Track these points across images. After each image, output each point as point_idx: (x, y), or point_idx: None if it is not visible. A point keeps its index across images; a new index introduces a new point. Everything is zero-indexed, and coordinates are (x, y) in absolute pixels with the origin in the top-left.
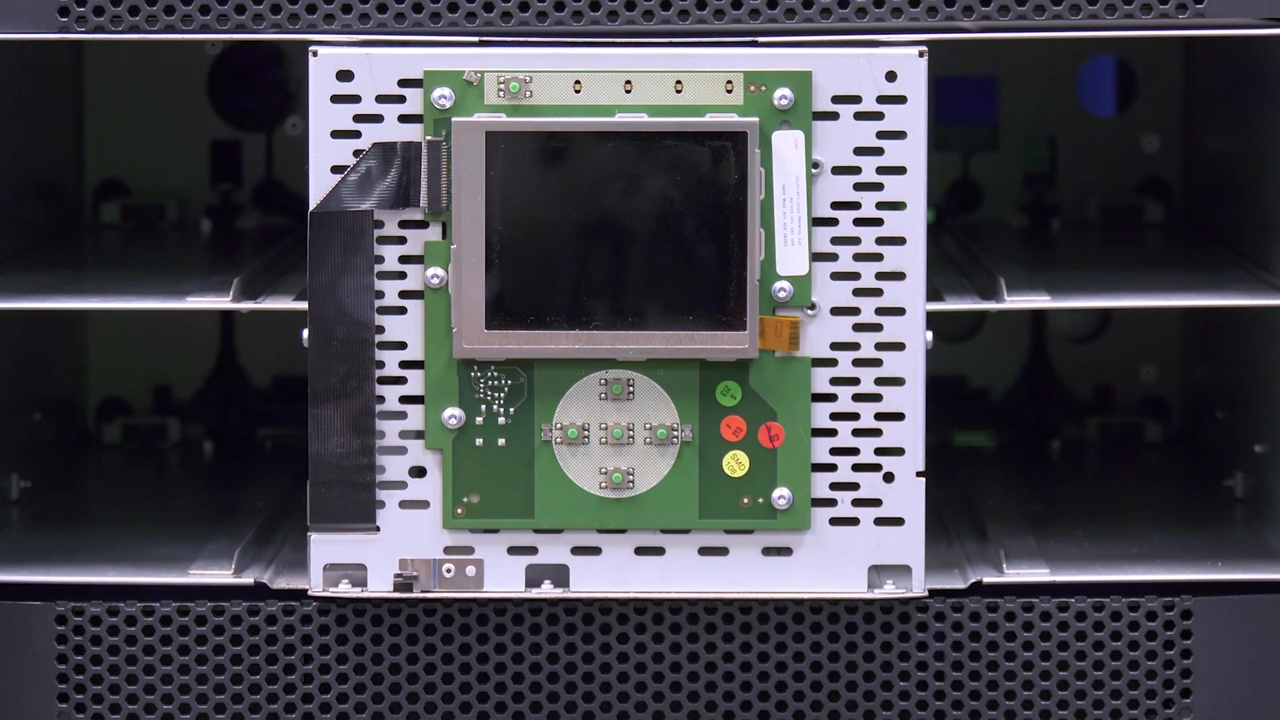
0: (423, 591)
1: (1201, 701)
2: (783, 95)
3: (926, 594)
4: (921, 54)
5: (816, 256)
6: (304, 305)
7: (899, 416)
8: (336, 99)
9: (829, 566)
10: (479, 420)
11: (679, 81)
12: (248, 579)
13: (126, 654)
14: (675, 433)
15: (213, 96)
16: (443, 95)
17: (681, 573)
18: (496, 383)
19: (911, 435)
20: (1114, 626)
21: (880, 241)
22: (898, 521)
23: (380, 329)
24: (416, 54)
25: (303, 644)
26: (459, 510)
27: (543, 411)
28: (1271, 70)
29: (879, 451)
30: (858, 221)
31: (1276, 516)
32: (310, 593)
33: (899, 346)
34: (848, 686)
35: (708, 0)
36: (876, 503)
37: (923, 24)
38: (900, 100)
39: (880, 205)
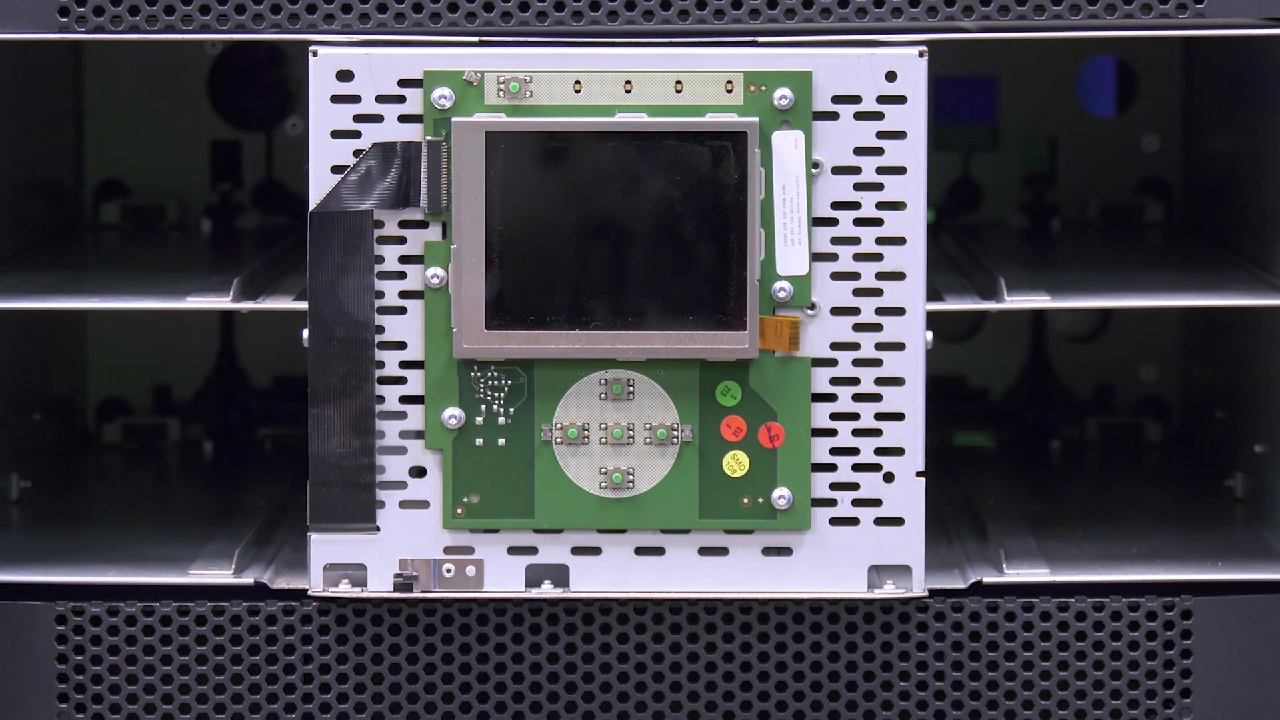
0: (423, 591)
1: (1201, 701)
2: (783, 95)
3: (926, 594)
4: (921, 54)
5: (816, 256)
6: (304, 305)
7: (899, 416)
8: (336, 99)
9: (829, 566)
10: (479, 420)
11: (679, 81)
12: (248, 579)
13: (126, 654)
14: (675, 433)
15: (213, 96)
16: (443, 95)
17: (681, 573)
18: (496, 383)
19: (911, 435)
20: (1114, 626)
21: (880, 241)
22: (898, 521)
23: (380, 329)
24: (416, 54)
25: (303, 644)
26: (459, 510)
27: (543, 411)
28: (1271, 70)
29: (879, 451)
30: (858, 221)
31: (1276, 516)
32: (310, 593)
33: (899, 346)
34: (848, 686)
35: (708, 0)
36: (876, 503)
37: (923, 24)
38: (900, 100)
39: (880, 205)
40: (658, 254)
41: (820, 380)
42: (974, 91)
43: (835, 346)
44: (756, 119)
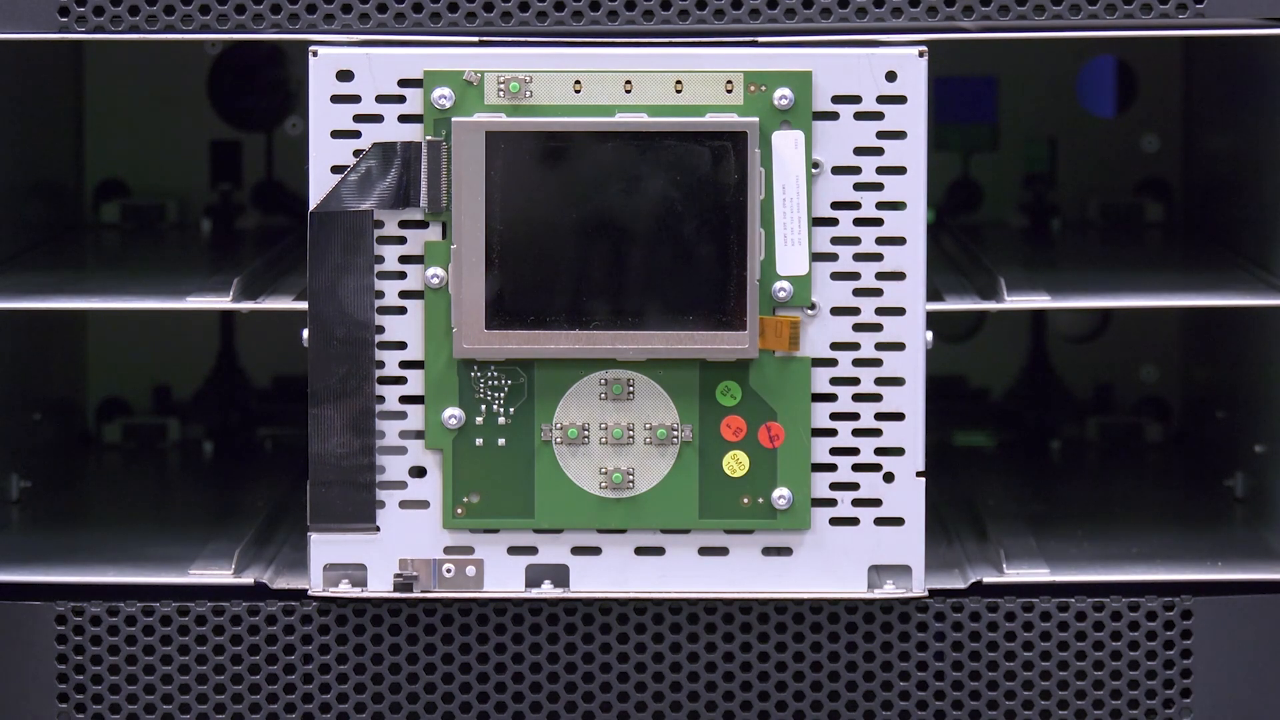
0: (423, 591)
1: (1201, 701)
2: (783, 95)
3: (926, 594)
4: (921, 54)
5: (816, 256)
6: (304, 305)
7: (899, 416)
8: (336, 99)
9: (829, 566)
10: (479, 420)
11: (679, 81)
12: (248, 579)
13: (126, 654)
14: (675, 433)
15: (213, 96)
16: (443, 95)
17: (681, 573)
18: (496, 383)
19: (911, 435)
20: (1114, 626)
21: (880, 241)
22: (898, 521)
23: (380, 329)
24: (416, 54)
25: (303, 644)
26: (459, 510)
27: (543, 411)
28: (1271, 70)
29: (879, 451)
30: (858, 221)
31: (1276, 516)
32: (310, 593)
33: (899, 346)
34: (848, 686)
35: (708, 0)
36: (876, 503)
37: (923, 24)
38: (900, 100)
39: (880, 205)
40: (658, 254)
41: (820, 380)
42: (974, 91)
43: (835, 346)
44: (756, 119)
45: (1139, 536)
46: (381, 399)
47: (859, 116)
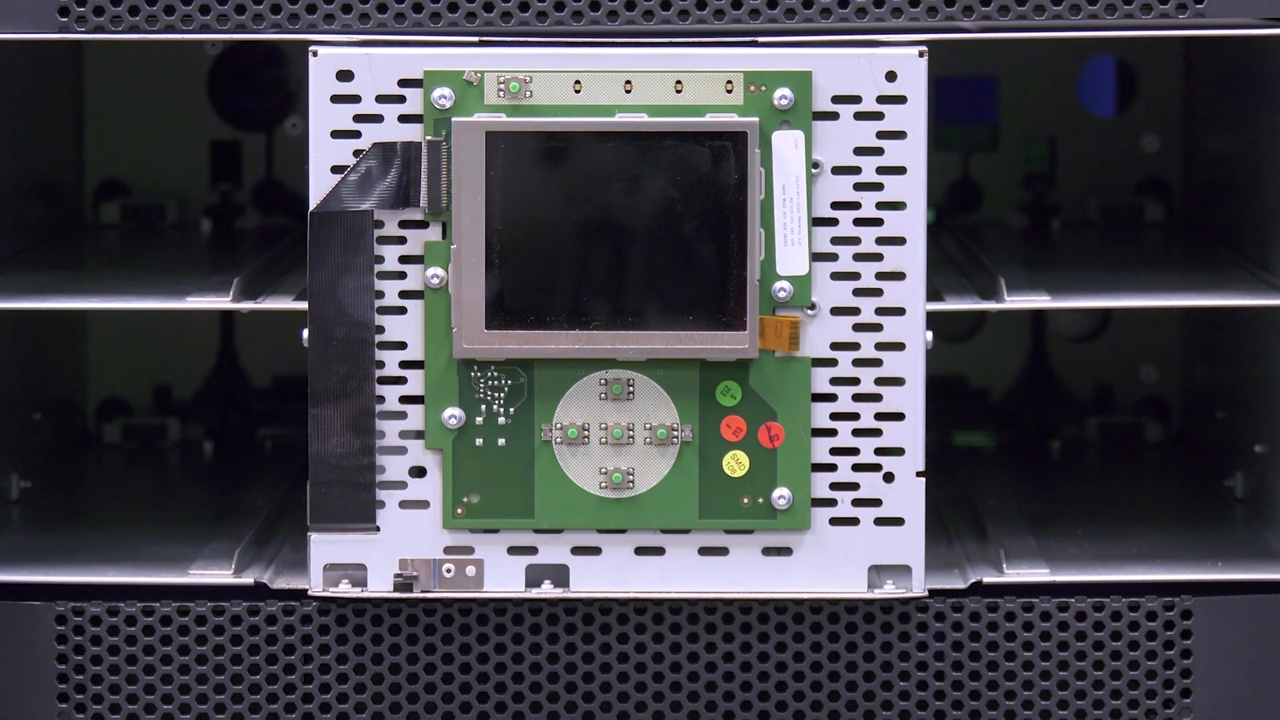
0: (423, 591)
1: (1201, 701)
2: (783, 95)
3: (926, 594)
4: (921, 54)
5: (816, 256)
6: (304, 305)
7: (899, 416)
8: (336, 99)
9: (829, 566)
10: (479, 420)
11: (679, 81)
12: (248, 579)
13: (126, 654)
14: (675, 433)
15: (213, 96)
16: (443, 95)
17: (681, 573)
18: (496, 383)
19: (911, 435)
20: (1114, 626)
21: (880, 241)
22: (898, 521)
23: (380, 329)
24: (416, 54)
25: (303, 644)
26: (459, 510)
27: (543, 411)
28: (1271, 70)
29: (879, 451)
30: (858, 221)
31: (1276, 516)
32: (310, 593)
33: (899, 346)
34: (848, 686)
35: (708, 0)
36: (876, 503)
37: (923, 24)
38: (900, 100)
39: (880, 205)
40: (658, 254)
41: (820, 380)
42: (974, 91)
43: (835, 346)
44: (756, 119)
45: (1139, 536)
46: (381, 399)
47: (859, 116)
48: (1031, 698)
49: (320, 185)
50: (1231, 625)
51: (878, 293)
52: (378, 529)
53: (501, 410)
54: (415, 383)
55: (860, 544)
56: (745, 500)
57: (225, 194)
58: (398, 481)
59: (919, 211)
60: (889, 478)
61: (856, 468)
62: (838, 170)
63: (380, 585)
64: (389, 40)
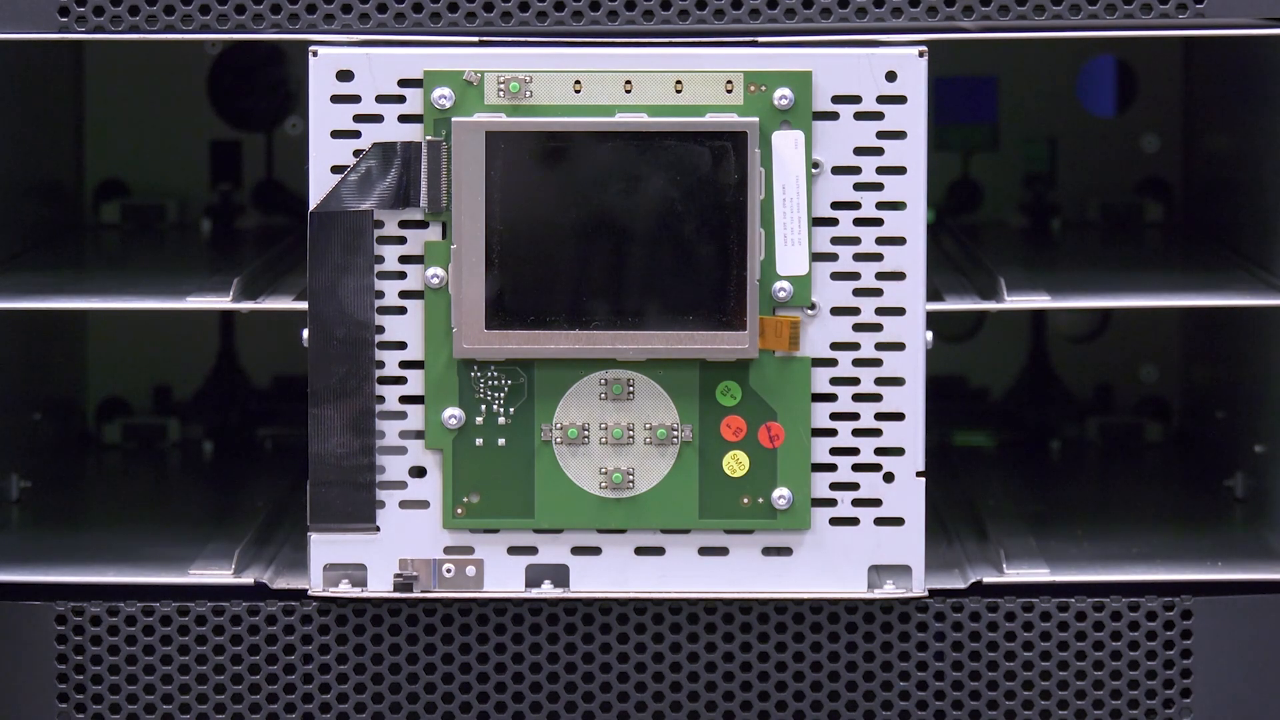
0: (423, 591)
1: (1201, 701)
2: (783, 95)
3: (926, 594)
4: (921, 54)
5: (816, 256)
6: (304, 305)
7: (899, 416)
8: (336, 99)
9: (829, 566)
10: (479, 420)
11: (679, 81)
12: (248, 579)
13: (126, 654)
14: (675, 433)
15: (213, 96)
16: (443, 95)
17: (681, 573)
18: (496, 383)
19: (911, 435)
20: (1114, 626)
21: (880, 241)
22: (898, 521)
23: (380, 329)
24: (416, 54)
25: (303, 644)
26: (459, 510)
27: (543, 411)
28: (1271, 70)
29: (879, 451)
30: (858, 221)
31: (1276, 516)
32: (310, 593)
33: (899, 346)
34: (848, 686)
35: (708, 0)
36: (876, 503)
37: (923, 24)
38: (900, 100)
39: (880, 205)
40: (658, 254)
41: (820, 380)
42: (974, 91)
43: (835, 346)
44: (756, 119)
45: (1139, 536)
46: (381, 399)
47: (859, 116)
48: (1031, 698)
49: (320, 185)
50: (1231, 625)
51: (878, 293)
52: (378, 529)
53: (501, 410)
54: (415, 383)
55: (860, 544)
56: (745, 500)
57: (225, 194)
58: (398, 481)
59: (919, 211)
60: (889, 478)
61: (856, 468)
62: (838, 170)
63: (380, 585)
64: (389, 40)
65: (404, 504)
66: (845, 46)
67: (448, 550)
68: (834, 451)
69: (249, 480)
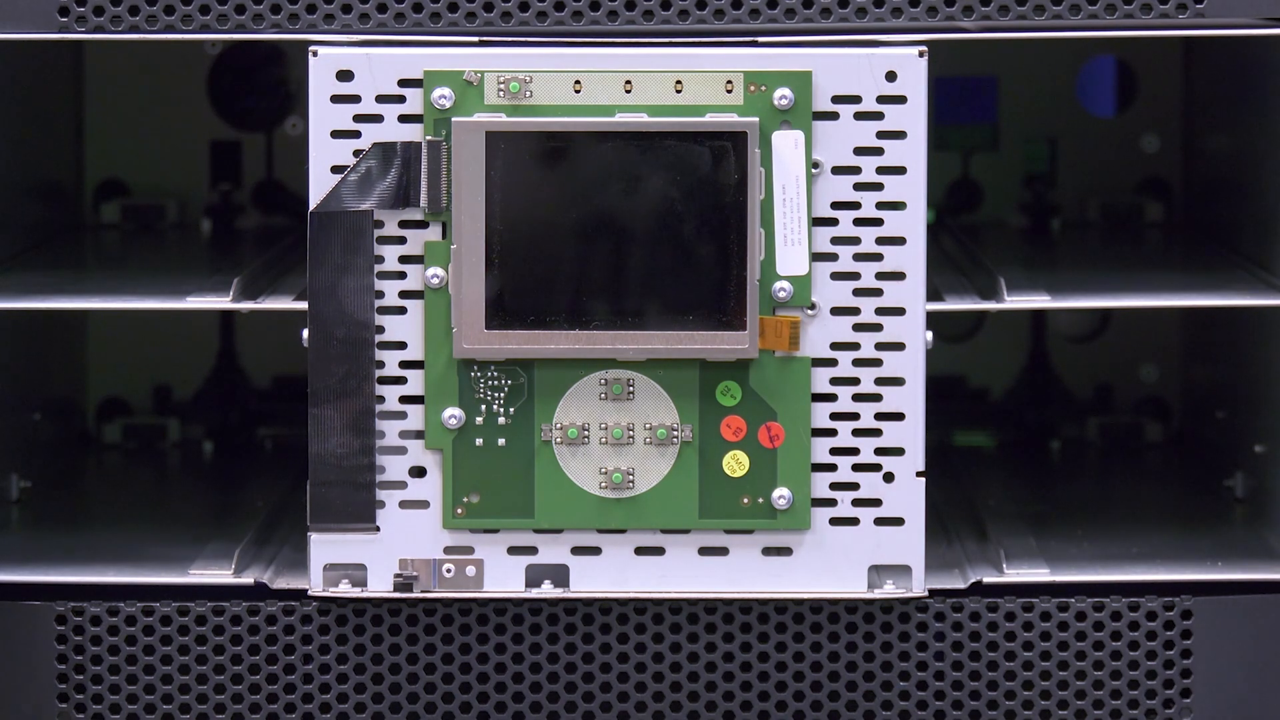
0: (423, 591)
1: (1201, 701)
2: (783, 95)
3: (926, 594)
4: (921, 54)
5: (816, 256)
6: (304, 305)
7: (899, 416)
8: (336, 99)
9: (829, 566)
10: (479, 420)
11: (679, 81)
12: (248, 579)
13: (126, 654)
14: (675, 433)
15: (213, 96)
16: (443, 95)
17: (681, 573)
18: (496, 383)
19: (911, 435)
20: (1114, 626)
21: (880, 241)
22: (898, 521)
23: (380, 329)
24: (416, 54)
25: (303, 644)
26: (459, 510)
27: (543, 411)
28: (1271, 70)
29: (879, 451)
30: (858, 221)
31: (1276, 516)
32: (310, 593)
33: (899, 346)
34: (848, 686)
35: (708, 0)
36: (876, 503)
37: (923, 24)
38: (900, 100)
39: (880, 205)
40: (658, 254)
41: (820, 380)
42: (974, 91)
43: (835, 346)
44: (756, 119)
45: (1139, 536)
46: (381, 399)
47: (859, 116)
48: (1031, 698)
49: (320, 185)
50: (1231, 625)
51: (878, 293)
52: (378, 529)
53: (501, 410)
54: (415, 383)
55: (860, 544)
56: (745, 500)
57: (225, 194)
58: (398, 481)
59: (919, 211)
60: (889, 478)
61: (856, 468)
62: (838, 170)
63: (380, 585)
64: (389, 40)
65: (404, 504)
66: (845, 46)
67: (448, 550)
68: (834, 451)
69: (249, 480)
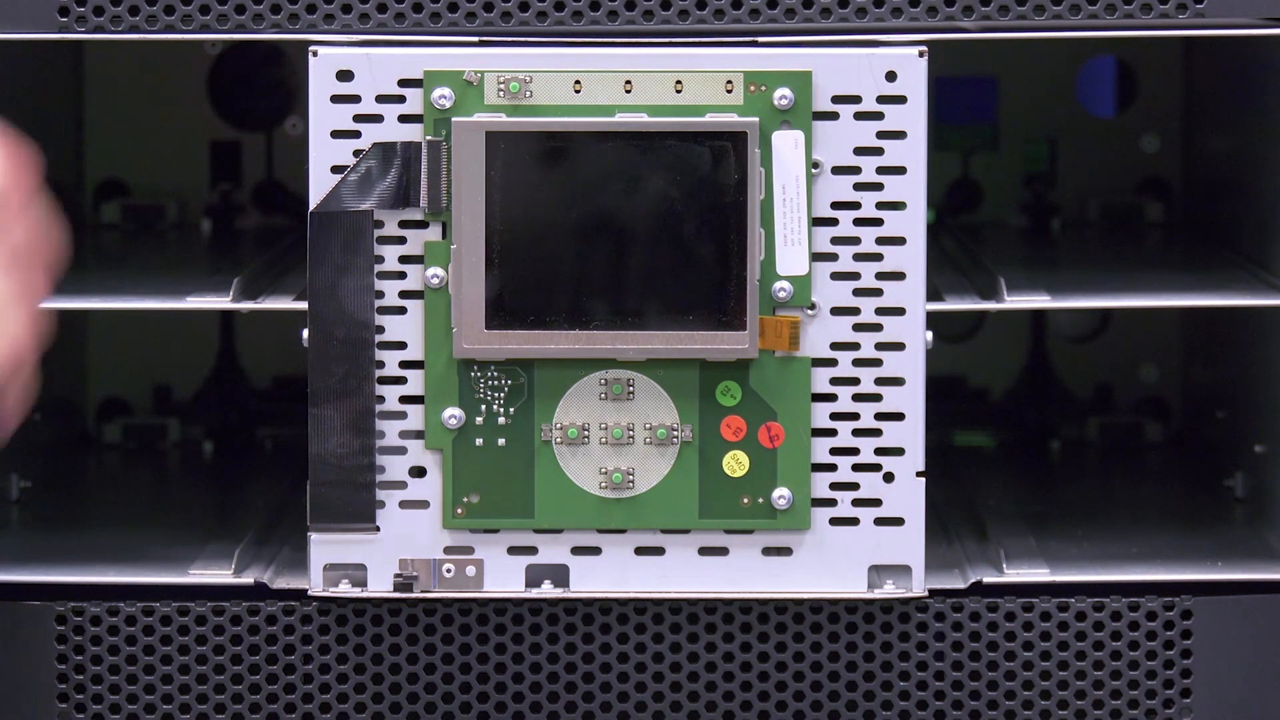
0: (423, 591)
1: (1201, 701)
2: (783, 95)
3: (926, 594)
4: (921, 54)
5: (816, 256)
6: (304, 305)
7: (899, 416)
8: (336, 99)
9: (829, 566)
10: (479, 420)
11: (679, 81)
12: (248, 579)
13: (126, 654)
14: (675, 433)
15: (213, 96)
16: (443, 95)
17: (681, 573)
18: (496, 383)
19: (911, 435)
20: (1114, 626)
21: (880, 241)
22: (898, 521)
23: (380, 329)
24: (416, 54)
25: (303, 644)
26: (459, 510)
27: (543, 411)
28: (1271, 70)
29: (879, 451)
30: (858, 221)
31: (1276, 516)
32: (310, 593)
33: (899, 346)
34: (848, 686)
35: (708, 0)
36: (876, 503)
37: (923, 24)
38: (900, 100)
39: (880, 205)
40: (658, 254)
41: (820, 380)
42: (974, 91)
43: (835, 346)
44: (756, 119)
45: (1139, 536)
46: (381, 399)
47: (859, 116)
48: (1031, 698)
49: (320, 185)
50: (1231, 625)
51: (878, 293)
52: (378, 529)
53: (501, 410)
54: (415, 383)
55: (860, 544)
56: (745, 500)
57: (225, 194)
58: (398, 481)
59: (919, 211)
60: (889, 478)
61: (856, 468)
62: (838, 170)
63: (380, 585)
64: (389, 40)
65: (404, 504)
66: (845, 46)
67: (448, 550)
68: (834, 451)
69: (249, 480)
